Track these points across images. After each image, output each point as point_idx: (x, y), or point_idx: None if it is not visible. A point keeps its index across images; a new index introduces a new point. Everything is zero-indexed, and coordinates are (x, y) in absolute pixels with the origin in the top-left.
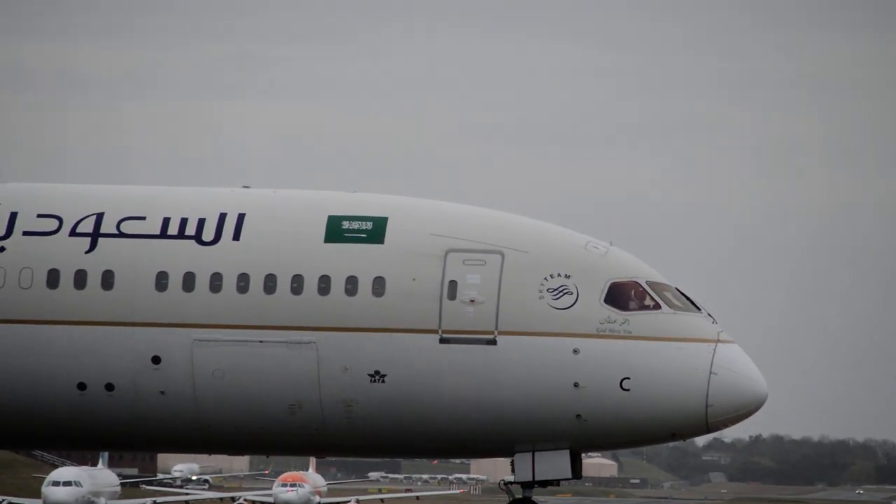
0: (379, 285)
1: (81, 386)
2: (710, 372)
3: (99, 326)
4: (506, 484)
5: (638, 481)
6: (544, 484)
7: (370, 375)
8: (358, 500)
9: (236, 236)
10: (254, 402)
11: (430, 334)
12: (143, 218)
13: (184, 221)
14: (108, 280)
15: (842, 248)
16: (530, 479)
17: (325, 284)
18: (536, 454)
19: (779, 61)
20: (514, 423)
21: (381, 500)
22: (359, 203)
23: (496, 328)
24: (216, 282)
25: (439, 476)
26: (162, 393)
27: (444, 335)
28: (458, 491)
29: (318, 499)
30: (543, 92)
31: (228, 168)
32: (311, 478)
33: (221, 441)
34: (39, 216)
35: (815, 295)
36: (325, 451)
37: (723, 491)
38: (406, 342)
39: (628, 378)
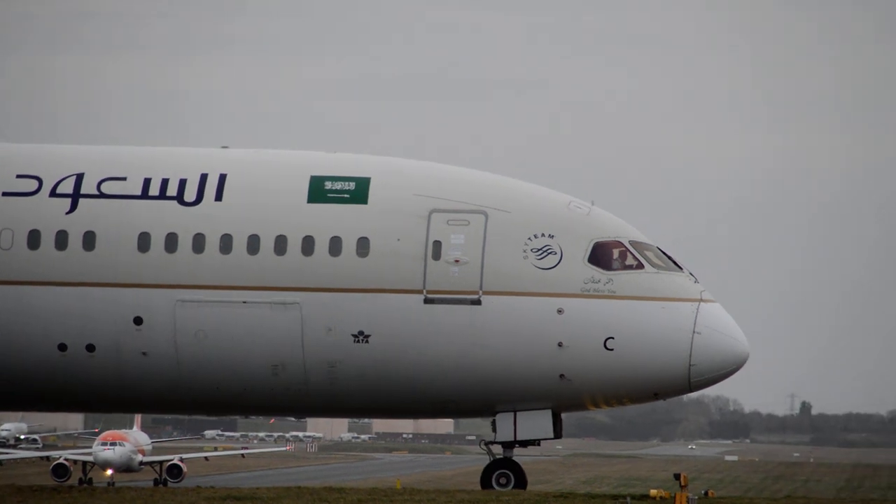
0: (363, 246)
1: (62, 347)
2: (694, 331)
3: (80, 287)
4: (486, 444)
5: (474, 438)
6: (525, 444)
7: (354, 336)
8: (182, 458)
9: (218, 197)
10: (236, 362)
11: (414, 294)
12: (124, 178)
13: (165, 182)
14: (89, 241)
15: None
16: (512, 438)
17: (308, 245)
18: (518, 414)
19: None
20: (497, 383)
21: (206, 457)
22: (341, 163)
23: (481, 288)
24: (199, 242)
25: (276, 434)
26: (144, 354)
27: (429, 295)
28: (284, 448)
29: (140, 457)
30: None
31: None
32: (135, 436)
33: (203, 402)
34: (19, 176)
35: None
36: (307, 412)
37: (558, 447)
38: (390, 302)
39: (612, 338)
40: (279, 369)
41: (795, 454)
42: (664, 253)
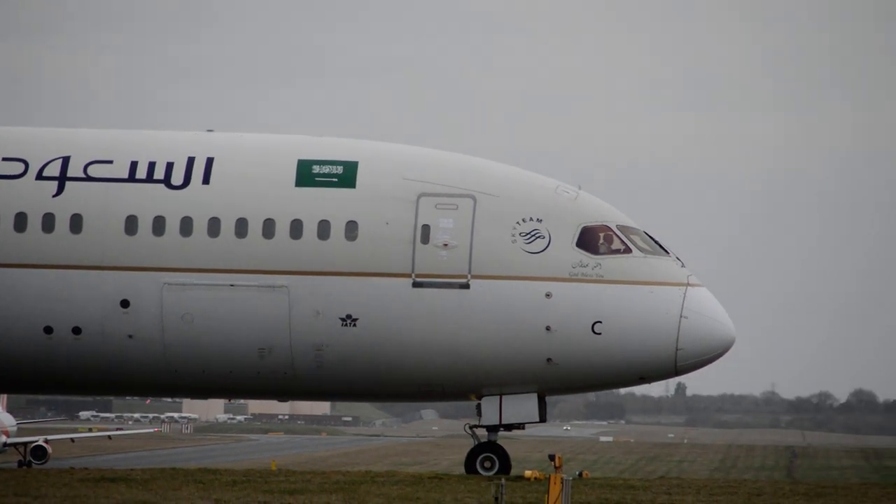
0: (351, 229)
1: (48, 329)
2: (681, 316)
3: (67, 270)
4: (471, 427)
5: (350, 419)
6: (510, 427)
7: (342, 319)
8: (46, 440)
9: (206, 180)
10: (223, 346)
11: (402, 278)
12: (111, 162)
13: (152, 165)
14: (76, 224)
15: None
16: (497, 422)
17: (296, 228)
18: (504, 398)
19: None
20: (484, 367)
21: (72, 439)
22: (328, 147)
23: (469, 272)
24: (186, 226)
25: (151, 415)
26: (130, 337)
27: (417, 279)
28: (152, 430)
29: (4, 438)
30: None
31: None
32: None
33: (189, 385)
34: (5, 159)
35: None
36: (294, 395)
37: (434, 428)
38: (379, 286)
39: (600, 322)
40: (266, 353)
41: (670, 435)
42: (651, 237)
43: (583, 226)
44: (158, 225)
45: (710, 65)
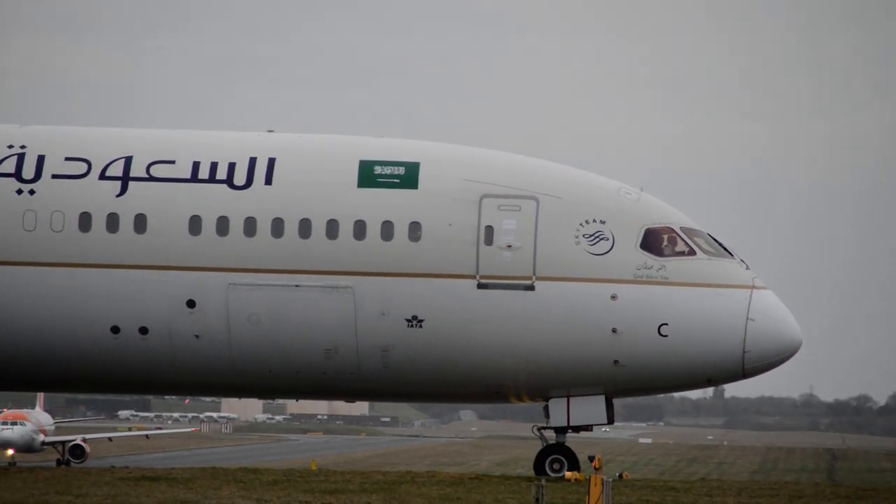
0: (415, 230)
1: (115, 329)
2: (748, 318)
3: (133, 270)
4: (539, 429)
5: (389, 419)
6: (578, 429)
7: (407, 320)
8: (84, 439)
9: (268, 181)
10: (289, 346)
11: (467, 279)
12: (173, 162)
13: (214, 165)
14: (140, 223)
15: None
16: (565, 424)
17: (360, 229)
18: (572, 399)
19: None
20: (550, 369)
21: (109, 438)
22: (389, 148)
23: (534, 274)
24: (250, 226)
25: (190, 415)
26: (196, 337)
27: (482, 280)
28: (190, 430)
29: (41, 437)
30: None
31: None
32: (36, 416)
33: (256, 385)
34: (68, 159)
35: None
36: (358, 396)
37: (473, 429)
38: (444, 287)
39: (666, 324)
40: (332, 353)
41: (709, 437)
42: (715, 239)
43: (646, 227)
44: (222, 225)
45: (762, 66)
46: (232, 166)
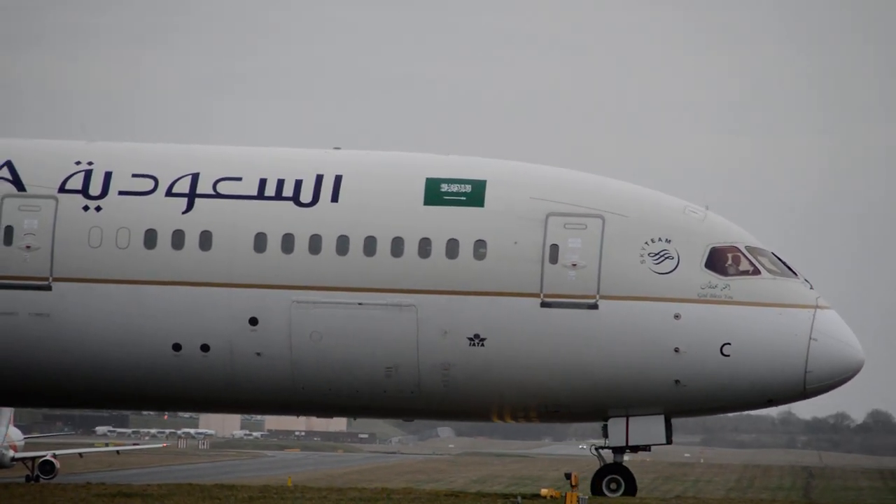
0: (480, 248)
1: (177, 346)
2: (811, 338)
3: (196, 287)
4: (597, 449)
5: (367, 436)
6: (636, 449)
7: (469, 339)
8: (55, 455)
9: (334, 198)
10: (351, 364)
11: (531, 298)
12: (240, 179)
13: (281, 182)
14: (206, 241)
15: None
16: (623, 444)
17: (425, 247)
18: (631, 419)
19: None
20: (611, 388)
21: (80, 454)
22: (455, 166)
23: (598, 292)
24: (315, 243)
25: (168, 431)
26: (258, 354)
27: (546, 299)
28: (161, 445)
29: (12, 453)
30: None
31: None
32: (8, 432)
33: (316, 403)
34: (134, 176)
35: None
36: (418, 415)
37: (450, 446)
38: (507, 306)
39: (729, 343)
40: (393, 371)
41: (686, 454)
42: (779, 258)
43: (711, 246)
44: (287, 242)
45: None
46: (298, 183)
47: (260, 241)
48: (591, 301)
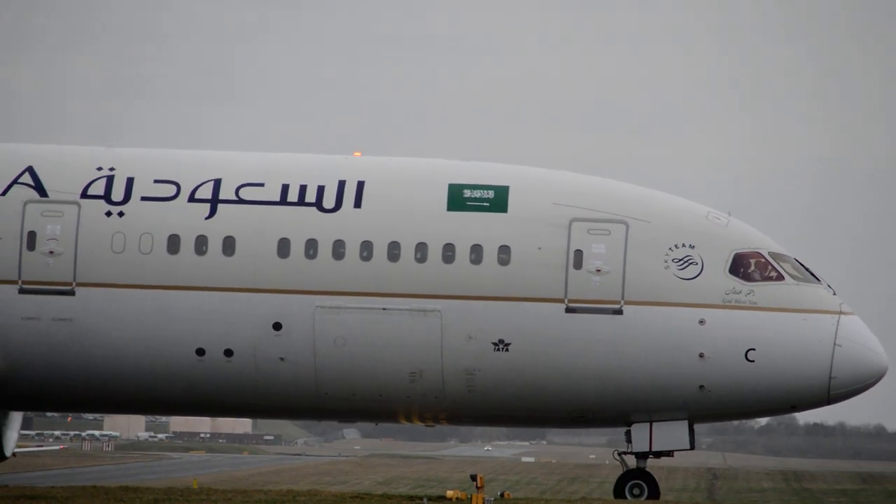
0: (504, 254)
1: (200, 351)
2: (835, 344)
3: (220, 292)
4: (619, 454)
5: (272, 438)
6: (659, 454)
7: (494, 344)
8: None
9: (357, 204)
10: (374, 369)
11: (555, 303)
12: (262, 184)
13: (303, 188)
14: (229, 246)
15: None
16: (647, 449)
17: (449, 253)
18: (655, 424)
19: None
20: (635, 394)
21: None
22: (478, 171)
23: (622, 298)
24: (339, 249)
25: (72, 433)
26: (282, 359)
27: (570, 304)
28: (57, 447)
29: None
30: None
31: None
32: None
33: (339, 408)
34: (157, 181)
35: None
36: (441, 420)
37: (356, 447)
38: (532, 311)
39: (753, 349)
40: (417, 376)
41: (592, 456)
42: (802, 265)
43: (735, 252)
44: (311, 248)
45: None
46: (321, 189)
47: (283, 247)
48: (616, 307)
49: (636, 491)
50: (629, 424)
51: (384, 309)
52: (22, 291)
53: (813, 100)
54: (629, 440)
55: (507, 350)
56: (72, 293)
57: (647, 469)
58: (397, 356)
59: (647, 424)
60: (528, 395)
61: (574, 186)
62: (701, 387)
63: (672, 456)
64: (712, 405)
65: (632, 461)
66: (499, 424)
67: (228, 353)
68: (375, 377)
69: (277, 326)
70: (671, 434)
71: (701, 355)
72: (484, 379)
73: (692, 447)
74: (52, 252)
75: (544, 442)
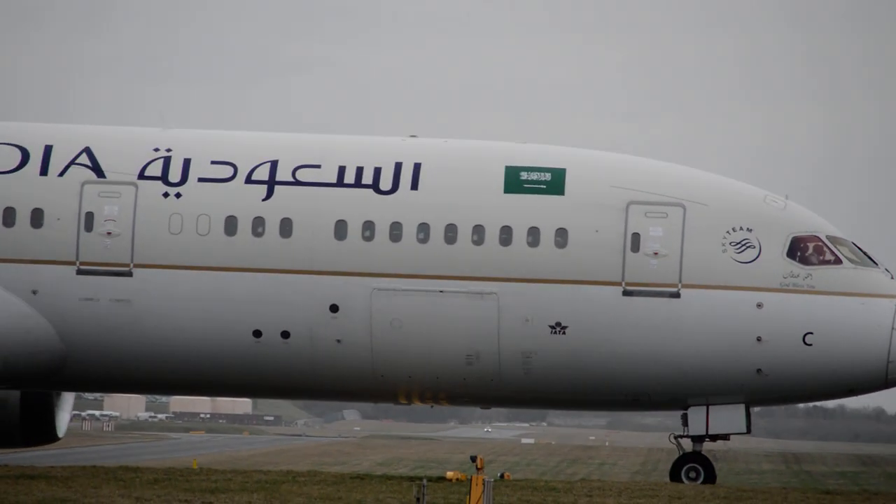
0: (561, 237)
1: (257, 333)
2: (893, 328)
3: (277, 274)
4: (676, 437)
5: (272, 418)
6: (715, 438)
7: (551, 327)
8: None
9: (414, 185)
10: (431, 352)
11: (613, 286)
12: (319, 166)
13: (360, 170)
14: (286, 228)
15: None
16: (704, 432)
17: (506, 235)
18: (711, 408)
19: None
20: (692, 377)
21: None
22: (534, 154)
23: (680, 281)
24: (396, 231)
25: (72, 413)
26: (338, 341)
27: (628, 287)
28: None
29: None
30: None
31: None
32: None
33: (395, 390)
34: (213, 163)
35: None
36: (497, 402)
37: (356, 428)
38: (589, 294)
39: (811, 333)
40: (473, 359)
41: (591, 437)
42: (859, 248)
43: (793, 236)
44: (368, 230)
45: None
46: (378, 171)
47: (340, 229)
48: (674, 290)
49: (692, 474)
50: (685, 408)
51: (441, 291)
52: (80, 272)
53: None
54: (685, 423)
55: (563, 333)
56: (129, 274)
57: (703, 452)
58: (454, 339)
59: (704, 408)
60: (584, 378)
61: (631, 169)
62: (758, 370)
63: (728, 439)
64: (769, 389)
65: (688, 444)
66: (556, 407)
67: (285, 334)
68: (432, 360)
69: (334, 308)
70: (728, 417)
71: (758, 339)
72: (541, 362)
73: (749, 431)
74: (109, 233)
75: (544, 423)
